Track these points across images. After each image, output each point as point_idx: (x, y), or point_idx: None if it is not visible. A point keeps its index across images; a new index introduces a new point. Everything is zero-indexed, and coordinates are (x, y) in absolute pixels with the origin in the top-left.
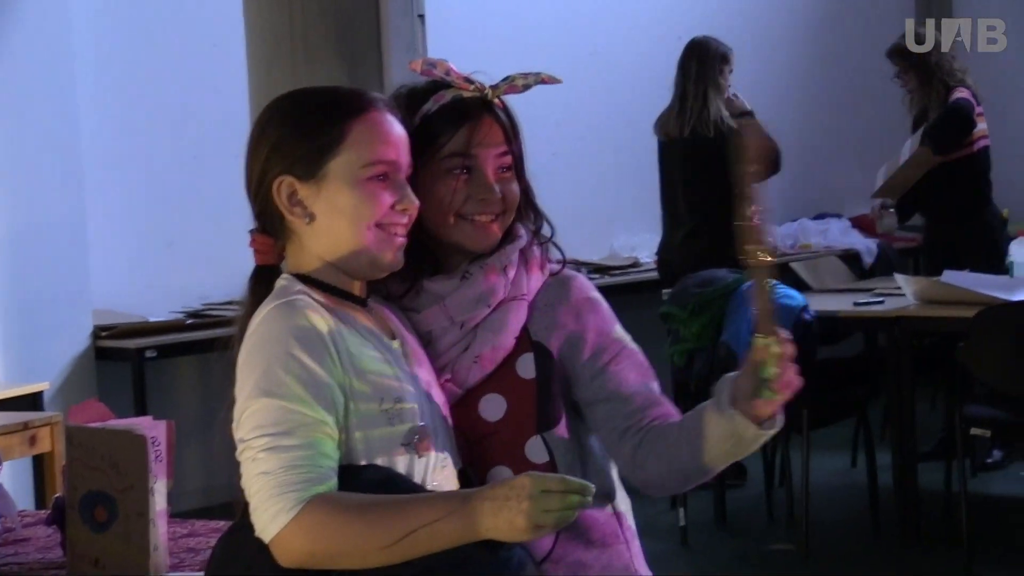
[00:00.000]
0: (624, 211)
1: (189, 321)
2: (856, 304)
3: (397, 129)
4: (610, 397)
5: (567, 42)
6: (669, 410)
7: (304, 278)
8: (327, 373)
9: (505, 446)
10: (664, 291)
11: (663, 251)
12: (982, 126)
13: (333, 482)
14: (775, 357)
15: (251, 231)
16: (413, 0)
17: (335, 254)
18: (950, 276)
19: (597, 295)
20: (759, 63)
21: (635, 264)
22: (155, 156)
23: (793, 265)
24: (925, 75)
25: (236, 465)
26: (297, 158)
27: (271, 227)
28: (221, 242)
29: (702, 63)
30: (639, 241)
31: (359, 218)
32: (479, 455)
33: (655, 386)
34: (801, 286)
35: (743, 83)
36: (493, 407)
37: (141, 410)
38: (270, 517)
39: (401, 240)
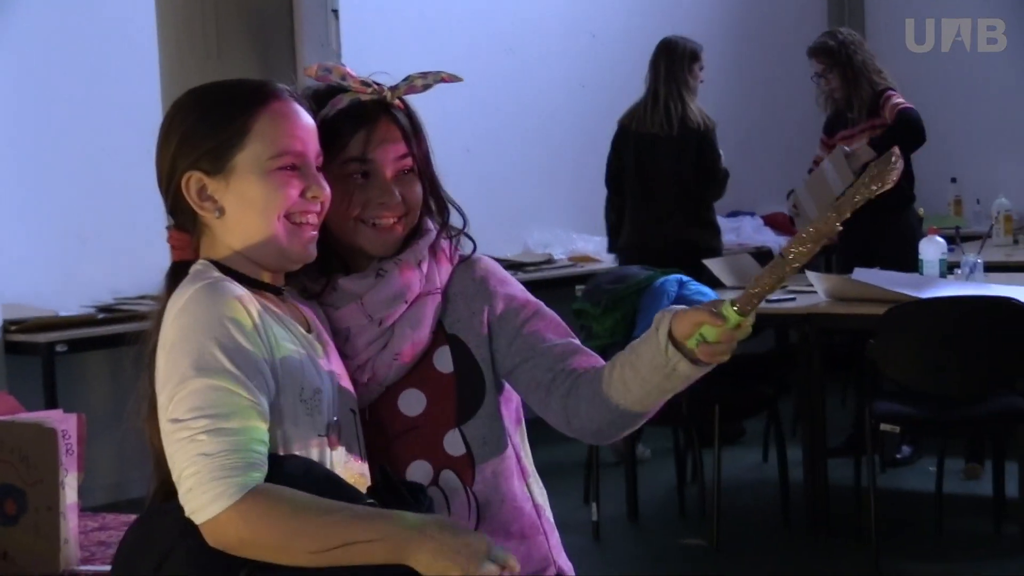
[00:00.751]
0: (538, 207)
1: (100, 315)
2: (767, 301)
3: (304, 118)
4: (531, 355)
5: (482, 39)
6: (595, 360)
7: (219, 265)
8: (260, 355)
9: (424, 440)
10: (577, 287)
11: (636, 237)
12: None
13: (266, 468)
14: (725, 330)
15: (168, 227)
16: None
17: (247, 246)
18: (861, 274)
19: (504, 272)
20: None
21: (549, 260)
22: (65, 149)
23: (706, 262)
24: (851, 74)
25: (148, 457)
26: (203, 153)
27: (184, 221)
28: (133, 236)
29: (671, 62)
30: (553, 237)
31: (269, 209)
32: (399, 450)
33: (575, 340)
34: (714, 283)
35: None
36: (412, 402)
37: (52, 405)
38: (210, 499)
39: (312, 232)
